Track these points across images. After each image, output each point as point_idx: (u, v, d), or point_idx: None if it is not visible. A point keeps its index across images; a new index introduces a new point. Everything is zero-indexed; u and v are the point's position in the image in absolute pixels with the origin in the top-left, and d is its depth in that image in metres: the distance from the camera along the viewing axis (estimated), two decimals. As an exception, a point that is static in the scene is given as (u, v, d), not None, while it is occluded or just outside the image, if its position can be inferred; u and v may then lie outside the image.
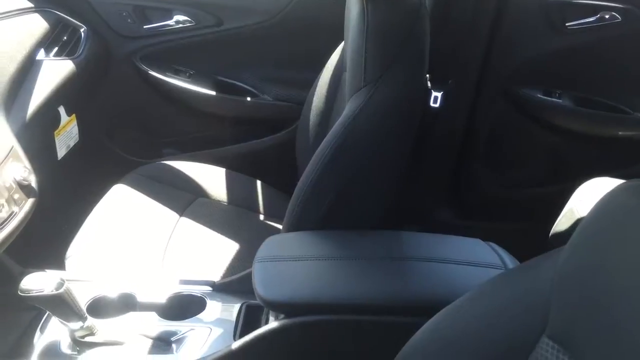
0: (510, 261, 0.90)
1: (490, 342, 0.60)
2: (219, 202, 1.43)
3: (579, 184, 1.38)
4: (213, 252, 1.23)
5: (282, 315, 0.85)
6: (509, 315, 0.60)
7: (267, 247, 0.93)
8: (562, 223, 1.35)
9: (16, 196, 0.89)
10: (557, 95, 1.49)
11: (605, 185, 1.37)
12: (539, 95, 1.49)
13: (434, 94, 1.44)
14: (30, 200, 0.93)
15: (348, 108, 0.95)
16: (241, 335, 0.91)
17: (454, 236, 0.97)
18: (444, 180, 1.59)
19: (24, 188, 0.92)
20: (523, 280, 0.62)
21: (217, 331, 0.96)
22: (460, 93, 1.47)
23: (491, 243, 0.96)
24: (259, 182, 1.52)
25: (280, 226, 1.39)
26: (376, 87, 0.91)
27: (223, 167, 1.52)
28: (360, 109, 0.92)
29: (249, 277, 1.01)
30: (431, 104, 1.44)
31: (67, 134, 1.38)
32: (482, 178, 1.59)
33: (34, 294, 0.81)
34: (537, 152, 1.56)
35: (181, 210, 1.34)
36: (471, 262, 0.89)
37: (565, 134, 1.51)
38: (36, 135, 1.16)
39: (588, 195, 1.35)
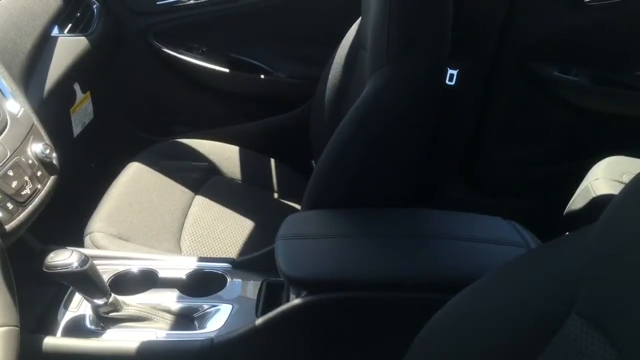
0: (531, 239, 0.90)
1: (517, 320, 0.60)
2: (233, 180, 1.43)
3: (595, 162, 1.38)
4: (230, 230, 1.24)
5: (304, 292, 0.86)
6: (537, 293, 0.60)
7: (289, 225, 0.93)
8: (577, 201, 1.35)
9: (39, 173, 0.89)
10: (573, 72, 1.48)
11: (621, 164, 1.38)
12: (555, 73, 1.47)
13: (450, 71, 1.43)
14: (52, 178, 0.92)
15: (369, 85, 0.95)
16: (263, 312, 0.92)
17: (475, 214, 0.97)
18: (458, 158, 1.59)
19: (46, 165, 0.92)
20: (551, 258, 0.62)
21: (239, 308, 0.97)
22: (476, 70, 1.46)
23: (512, 221, 0.96)
24: (272, 160, 1.52)
25: (295, 204, 1.40)
26: (399, 64, 0.91)
27: (236, 145, 1.52)
28: (383, 87, 0.92)
29: (268, 254, 1.02)
30: (447, 81, 1.44)
31: (82, 112, 1.38)
32: (496, 156, 1.59)
33: (59, 270, 0.82)
34: (552, 129, 1.56)
35: (196, 188, 1.35)
36: (494, 240, 0.89)
37: (580, 112, 1.50)
38: (53, 113, 1.16)
39: (604, 174, 1.35)
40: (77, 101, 1.36)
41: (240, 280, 1.04)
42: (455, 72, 1.43)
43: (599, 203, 1.24)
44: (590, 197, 1.28)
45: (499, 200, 1.60)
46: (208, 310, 0.97)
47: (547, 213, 1.38)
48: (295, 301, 0.85)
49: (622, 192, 0.55)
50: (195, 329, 0.94)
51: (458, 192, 1.62)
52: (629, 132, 1.49)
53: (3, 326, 0.67)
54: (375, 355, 0.90)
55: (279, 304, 0.91)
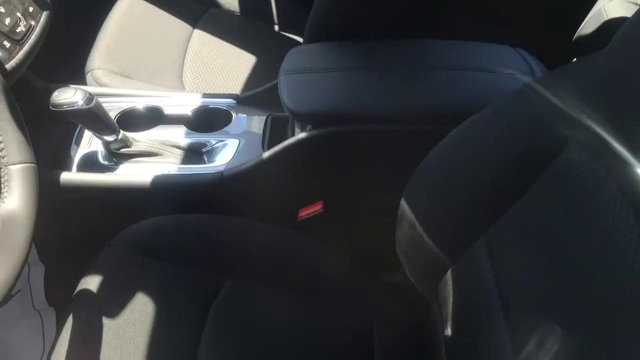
0: (538, 68, 0.89)
1: (516, 146, 0.61)
2: (231, 12, 1.38)
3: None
4: (231, 66, 1.22)
5: (309, 126, 0.87)
6: (538, 120, 0.60)
7: (291, 59, 0.91)
8: (588, 25, 1.31)
9: (30, 9, 0.86)
10: None
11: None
12: None
13: None
14: (45, 13, 0.89)
15: None
16: (270, 146, 0.94)
17: (481, 43, 0.95)
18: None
19: (37, 1, 0.88)
20: (556, 84, 0.62)
21: (246, 142, 0.99)
22: None
23: (519, 49, 0.94)
24: (271, -10, 1.45)
25: (296, 37, 1.36)
26: None
27: (232, -28, 1.43)
28: None
29: (272, 89, 1.02)
30: None
31: (65, -61, 1.28)
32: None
33: (66, 108, 0.82)
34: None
35: (194, 22, 1.30)
36: (499, 69, 0.88)
37: None
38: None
39: (618, -4, 1.28)
40: None
41: (245, 115, 1.04)
42: None
43: (611, 26, 1.20)
44: (602, 20, 1.24)
45: (509, 29, 1.54)
46: (216, 145, 0.99)
47: (558, 41, 1.34)
48: (300, 135, 0.86)
49: (635, 14, 0.53)
50: (205, 163, 0.97)
51: (466, 21, 1.56)
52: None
53: (20, 163, 0.69)
54: (377, 181, 0.94)
55: (285, 137, 0.93)
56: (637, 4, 1.23)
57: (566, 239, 0.52)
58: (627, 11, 1.20)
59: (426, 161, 0.71)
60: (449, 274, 0.68)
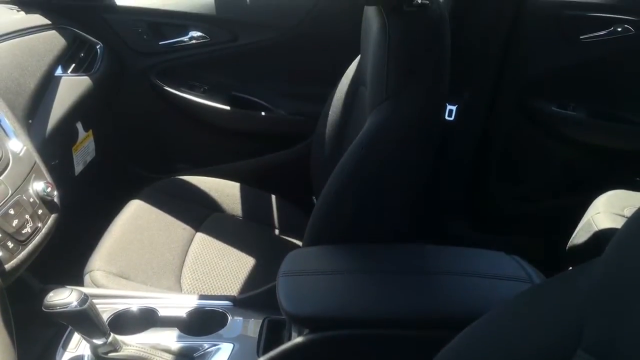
0: (535, 274, 0.89)
1: (523, 358, 0.59)
2: (234, 217, 1.43)
3: (595, 197, 1.38)
4: (231, 268, 1.23)
5: (306, 330, 0.84)
6: (542, 330, 0.59)
7: (290, 262, 0.92)
8: (579, 236, 1.35)
9: (40, 212, 0.90)
10: (571, 108, 1.50)
11: (622, 197, 1.37)
12: (554, 108, 1.49)
13: (449, 107, 1.45)
14: (53, 216, 0.93)
15: (369, 122, 0.95)
16: (265, 351, 0.90)
17: (478, 249, 0.97)
18: (459, 194, 1.59)
19: (47, 204, 0.92)
20: (555, 294, 0.62)
21: (240, 347, 0.96)
22: (475, 106, 1.47)
23: (515, 256, 0.95)
24: (273, 197, 1.52)
25: (295, 241, 1.39)
26: (398, 100, 0.92)
27: (237, 181, 1.52)
28: (382, 123, 0.92)
29: (269, 292, 1.01)
30: (446, 117, 1.45)
31: (84, 150, 1.39)
32: (497, 191, 1.59)
33: (58, 309, 0.81)
34: (552, 164, 1.56)
35: (197, 225, 1.34)
36: (497, 275, 0.88)
37: (580, 146, 1.51)
38: (55, 151, 1.17)
39: (605, 208, 1.34)
40: (79, 139, 1.37)
41: (241, 318, 1.02)
42: (454, 108, 1.45)
43: (601, 237, 1.23)
44: (593, 231, 1.28)
45: (501, 235, 1.59)
46: (208, 350, 0.95)
47: (551, 247, 1.38)
48: (297, 339, 0.83)
49: (625, 226, 0.55)
50: (196, 369, 0.93)
51: (459, 228, 1.62)
52: (627, 166, 1.50)
53: (0, 368, 0.66)
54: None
55: (281, 342, 0.89)
56: (624, 216, 1.28)
57: None
58: (616, 222, 1.25)
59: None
60: None
